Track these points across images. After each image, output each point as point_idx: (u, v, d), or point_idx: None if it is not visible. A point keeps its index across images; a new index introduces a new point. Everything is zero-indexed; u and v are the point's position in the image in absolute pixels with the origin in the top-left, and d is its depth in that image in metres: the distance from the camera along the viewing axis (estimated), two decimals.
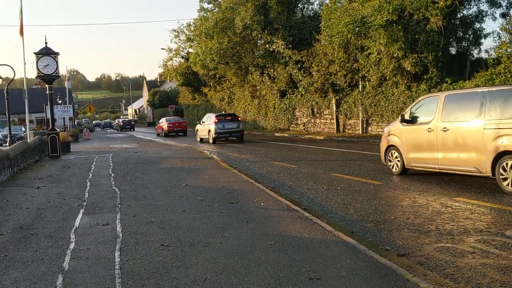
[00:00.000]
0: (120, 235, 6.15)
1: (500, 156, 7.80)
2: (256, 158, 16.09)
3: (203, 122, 26.77)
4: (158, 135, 37.26)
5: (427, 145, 9.45)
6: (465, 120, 8.55)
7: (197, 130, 27.80)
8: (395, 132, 10.55)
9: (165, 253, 5.29)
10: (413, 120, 10.05)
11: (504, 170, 7.76)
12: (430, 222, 6.40)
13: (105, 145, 26.27)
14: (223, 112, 30.82)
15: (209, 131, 24.92)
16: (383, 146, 11.04)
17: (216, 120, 24.37)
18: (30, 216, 7.48)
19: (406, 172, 10.37)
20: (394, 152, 10.54)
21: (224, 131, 24.35)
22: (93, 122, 65.88)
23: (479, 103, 8.31)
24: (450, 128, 8.82)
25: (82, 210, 7.81)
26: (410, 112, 10.19)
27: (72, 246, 5.73)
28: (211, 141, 24.75)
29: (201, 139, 26.61)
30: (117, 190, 9.76)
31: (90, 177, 11.85)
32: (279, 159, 14.98)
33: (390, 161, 10.78)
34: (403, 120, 10.19)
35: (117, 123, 67.09)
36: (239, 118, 26.13)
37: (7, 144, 21.09)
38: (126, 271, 4.75)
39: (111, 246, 5.64)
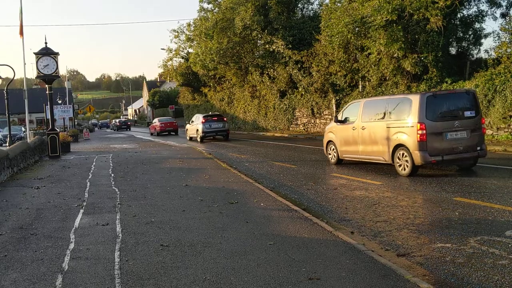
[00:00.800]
0: (120, 235, 6.14)
1: (396, 148, 10.20)
2: (256, 158, 16.09)
3: (192, 121, 28.62)
4: (151, 134, 39.05)
5: (352, 140, 11.79)
6: (376, 121, 10.96)
7: (186, 129, 29.79)
8: (332, 130, 12.82)
9: (164, 253, 5.29)
10: (344, 121, 12.30)
11: (399, 158, 10.18)
12: (430, 222, 6.39)
13: (105, 145, 26.26)
14: (210, 113, 32.52)
15: (197, 130, 26.67)
16: (324, 141, 13.34)
17: (204, 120, 26.16)
18: (29, 216, 7.47)
19: (341, 162, 12.63)
20: (332, 146, 12.82)
21: (210, 130, 26.25)
22: (90, 122, 66.20)
23: (384, 108, 10.81)
24: (367, 127, 11.20)
25: (82, 210, 7.80)
26: (342, 114, 12.49)
27: (71, 246, 5.73)
28: (199, 139, 26.32)
29: (190, 138, 28.34)
30: (117, 190, 9.75)
31: (90, 177, 11.85)
32: (279, 159, 14.98)
33: (329, 153, 13.04)
34: (337, 121, 12.46)
35: (113, 123, 68.35)
36: (225, 119, 27.87)
37: (7, 144, 21.07)
38: (125, 271, 4.74)
39: (110, 246, 5.64)
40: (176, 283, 4.38)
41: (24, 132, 33.47)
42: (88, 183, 10.92)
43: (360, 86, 23.64)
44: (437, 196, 7.94)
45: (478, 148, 9.99)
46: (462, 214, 6.68)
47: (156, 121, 39.48)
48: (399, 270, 4.48)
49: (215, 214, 7.17)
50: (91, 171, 13.25)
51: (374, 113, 11.11)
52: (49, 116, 19.57)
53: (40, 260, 5.21)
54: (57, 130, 18.80)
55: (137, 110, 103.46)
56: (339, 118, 12.45)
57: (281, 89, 30.69)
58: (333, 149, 12.74)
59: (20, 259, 5.28)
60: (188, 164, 14.14)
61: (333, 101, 25.70)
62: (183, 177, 11.33)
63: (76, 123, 46.64)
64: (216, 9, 34.34)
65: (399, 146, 10.10)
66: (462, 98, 10.27)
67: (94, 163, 15.25)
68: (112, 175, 12.22)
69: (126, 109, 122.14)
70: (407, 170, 9.95)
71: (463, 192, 8.12)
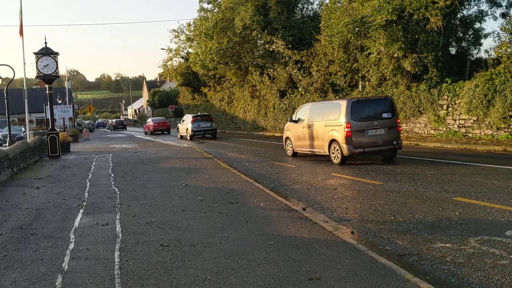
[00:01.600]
0: (120, 235, 6.14)
1: (331, 142, 12.68)
2: (255, 158, 16.09)
3: (183, 121, 30.64)
4: (145, 133, 41.77)
5: (302, 136, 14.30)
6: (318, 121, 13.45)
7: (178, 128, 32.04)
8: (289, 128, 15.44)
9: (164, 253, 5.28)
10: (297, 120, 14.79)
11: (333, 152, 12.72)
12: (430, 222, 6.39)
13: (105, 145, 26.25)
14: (199, 113, 34.51)
15: (187, 129, 28.71)
16: (283, 137, 16.00)
17: (193, 120, 28.26)
18: (29, 216, 7.47)
19: (296, 155, 15.22)
20: (289, 142, 15.45)
21: (199, 129, 28.45)
22: (86, 122, 66.62)
23: (322, 110, 13.66)
24: (312, 126, 13.70)
25: (81, 210, 7.80)
26: (296, 115, 15.05)
27: (71, 246, 5.72)
28: (188, 138, 28.34)
29: (181, 136, 30.60)
30: (116, 190, 9.75)
31: (89, 177, 11.84)
32: (278, 159, 14.97)
33: (287, 148, 15.65)
34: (291, 120, 15.16)
35: (110, 123, 69.63)
36: (213, 118, 30.05)
37: (7, 144, 21.06)
38: (125, 271, 4.74)
39: (110, 246, 5.63)
40: (176, 283, 4.38)
41: (24, 132, 33.46)
42: (88, 183, 10.91)
43: (360, 86, 23.63)
44: (437, 196, 7.94)
45: (395, 142, 12.43)
46: (462, 214, 6.68)
47: (150, 121, 42.60)
48: (400, 270, 4.47)
49: (215, 214, 7.16)
50: (91, 171, 13.25)
51: (317, 114, 13.73)
52: (49, 116, 19.55)
53: (40, 260, 5.21)
54: (57, 130, 18.79)
55: (137, 110, 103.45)
56: (293, 118, 15.08)
57: (281, 89, 30.69)
58: (290, 144, 15.42)
59: (20, 259, 5.28)
60: (188, 164, 14.14)
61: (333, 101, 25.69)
62: (183, 177, 11.32)
63: (76, 123, 46.64)
64: (216, 9, 34.34)
65: (333, 141, 12.62)
66: (380, 103, 12.74)
67: (94, 163, 15.25)
68: (112, 175, 12.21)
69: (126, 109, 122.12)
70: (338, 160, 12.51)
71: (463, 192, 8.11)
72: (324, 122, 13.05)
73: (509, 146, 13.79)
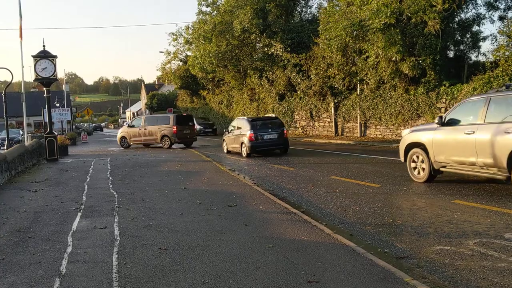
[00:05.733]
0: (118, 238, 6.12)
1: (162, 137, 21.47)
2: (254, 161, 16.07)
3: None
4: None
5: (137, 135, 24.59)
6: (151, 125, 22.76)
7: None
8: (124, 130, 24.99)
9: (163, 257, 5.26)
10: (132, 126, 24.58)
11: (163, 142, 21.10)
12: (428, 224, 6.39)
13: (103, 148, 26.20)
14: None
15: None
16: (118, 138, 24.26)
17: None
18: (27, 220, 7.44)
19: (128, 146, 24.51)
20: (124, 139, 24.37)
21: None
22: (85, 125, 69.19)
23: (157, 119, 24.35)
24: (147, 128, 23.94)
25: (79, 214, 7.77)
26: (131, 121, 23.31)
27: (69, 249, 5.70)
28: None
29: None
30: (115, 193, 9.73)
31: (87, 180, 11.82)
32: (277, 162, 14.96)
33: (121, 144, 23.65)
34: (128, 126, 23.82)
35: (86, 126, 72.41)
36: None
37: (5, 148, 21.00)
38: (124, 275, 4.72)
39: (108, 250, 5.61)
40: (175, 287, 4.36)
41: (22, 135, 33.37)
42: (86, 186, 10.89)
43: (358, 89, 23.67)
44: (435, 199, 7.94)
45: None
46: (460, 216, 6.68)
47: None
48: (398, 273, 4.47)
49: (214, 217, 7.15)
50: (89, 174, 13.22)
51: (151, 121, 23.56)
52: (47, 119, 19.52)
53: (38, 263, 5.19)
54: (55, 133, 18.75)
55: (136, 113, 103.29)
56: (129, 124, 23.80)
57: (280, 92, 30.72)
58: (125, 140, 24.84)
59: (18, 262, 5.25)
60: (187, 167, 14.12)
61: (332, 104, 25.74)
62: (182, 180, 11.30)
63: (74, 126, 46.62)
64: (215, 12, 34.35)
65: (164, 136, 22.14)
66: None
67: (92, 166, 15.22)
68: (110, 178, 12.19)
69: (124, 112, 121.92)
70: (167, 146, 22.69)
71: (461, 195, 8.11)
72: (157, 126, 23.84)
73: None
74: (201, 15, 35.71)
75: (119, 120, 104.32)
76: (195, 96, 49.90)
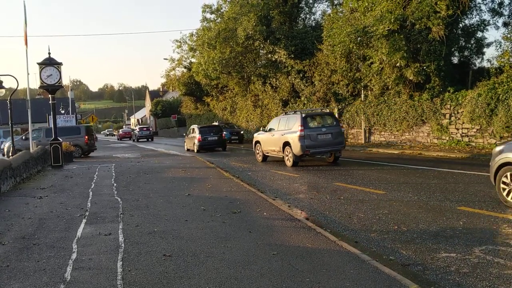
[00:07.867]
0: (123, 245, 6.12)
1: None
2: (258, 167, 16.07)
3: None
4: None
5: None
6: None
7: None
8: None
9: (167, 263, 5.26)
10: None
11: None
12: (434, 231, 6.35)
13: (107, 155, 26.28)
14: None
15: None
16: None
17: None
18: (32, 226, 7.46)
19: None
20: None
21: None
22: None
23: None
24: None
25: (84, 220, 7.78)
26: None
27: (74, 256, 5.70)
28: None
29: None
30: (119, 200, 9.74)
31: (92, 187, 11.84)
32: (281, 169, 14.94)
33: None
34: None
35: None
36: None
37: (11, 154, 21.08)
38: (128, 282, 4.72)
39: (113, 256, 5.61)
40: None
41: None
42: (91, 192, 10.91)
43: (362, 95, 23.66)
44: (440, 206, 7.90)
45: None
46: (466, 223, 6.64)
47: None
48: (404, 280, 4.44)
49: (218, 224, 7.14)
50: (94, 180, 13.25)
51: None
52: (52, 126, 19.60)
53: (43, 270, 5.19)
54: (59, 140, 18.83)
55: (140, 120, 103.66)
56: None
57: (284, 98, 30.73)
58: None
59: (22, 269, 5.26)
60: (191, 174, 14.13)
61: (336, 110, 25.72)
62: (186, 187, 11.31)
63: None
64: (219, 19, 34.50)
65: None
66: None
67: (96, 173, 15.26)
68: (115, 184, 12.21)
69: (128, 119, 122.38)
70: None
71: (467, 201, 8.07)
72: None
73: None
74: (205, 22, 35.87)
75: (124, 126, 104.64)
76: (199, 103, 50.02)
